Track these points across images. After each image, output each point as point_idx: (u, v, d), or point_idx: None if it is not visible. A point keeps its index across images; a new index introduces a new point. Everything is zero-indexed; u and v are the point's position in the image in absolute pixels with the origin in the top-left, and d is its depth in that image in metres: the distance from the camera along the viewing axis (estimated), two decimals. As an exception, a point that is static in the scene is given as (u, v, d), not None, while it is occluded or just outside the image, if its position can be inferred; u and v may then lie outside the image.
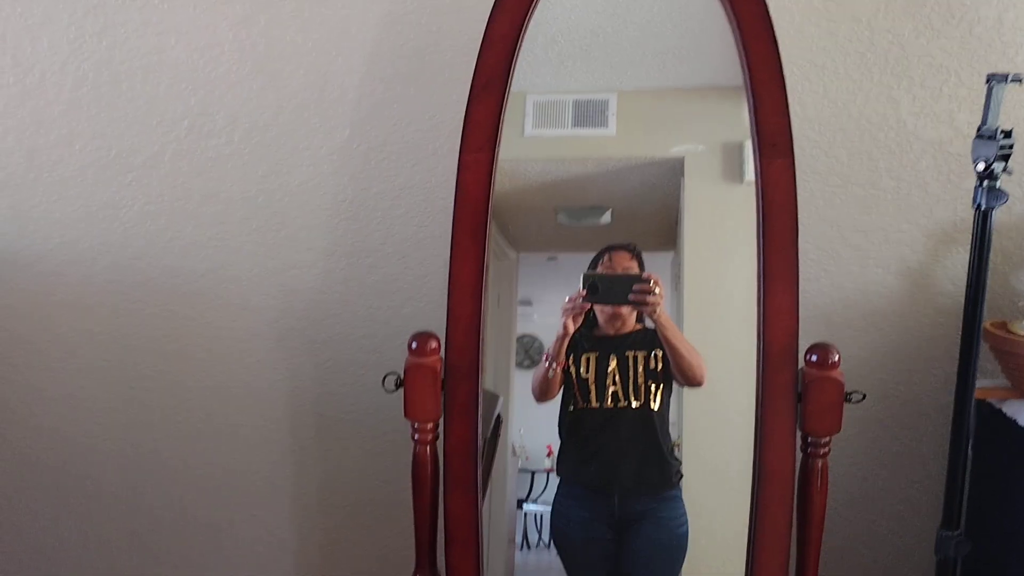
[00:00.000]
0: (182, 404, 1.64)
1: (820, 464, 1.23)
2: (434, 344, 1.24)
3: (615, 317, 1.34)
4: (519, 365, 1.40)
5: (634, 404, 1.32)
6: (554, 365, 1.31)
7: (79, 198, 1.58)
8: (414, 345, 1.24)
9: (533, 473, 1.42)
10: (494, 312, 1.37)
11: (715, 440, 1.37)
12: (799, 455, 1.24)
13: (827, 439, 1.23)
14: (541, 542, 1.43)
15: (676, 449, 1.35)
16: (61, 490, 1.70)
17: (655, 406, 1.32)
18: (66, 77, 1.53)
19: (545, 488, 1.40)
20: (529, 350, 1.40)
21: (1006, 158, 1.20)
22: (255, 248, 1.59)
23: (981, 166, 1.21)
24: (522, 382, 1.38)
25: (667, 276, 1.34)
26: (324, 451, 1.65)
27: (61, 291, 1.61)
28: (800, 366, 1.23)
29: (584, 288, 1.29)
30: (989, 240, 1.25)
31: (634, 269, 1.33)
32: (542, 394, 1.34)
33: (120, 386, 1.64)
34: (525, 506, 1.46)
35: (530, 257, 1.44)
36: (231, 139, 1.54)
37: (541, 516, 1.42)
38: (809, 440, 1.23)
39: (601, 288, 1.29)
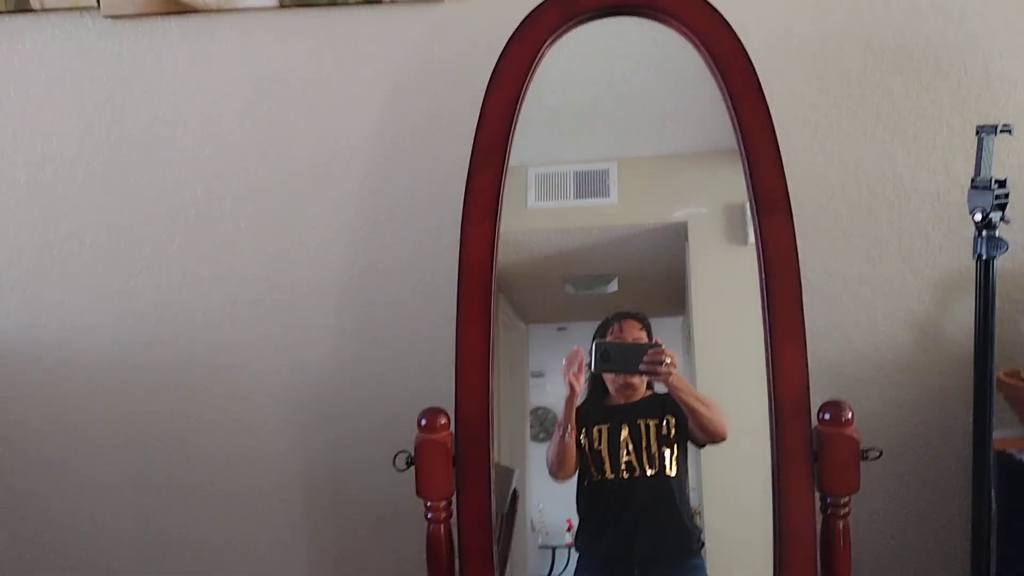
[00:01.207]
0: (196, 487, 1.63)
1: (841, 524, 1.21)
2: (443, 420, 1.24)
3: (626, 386, 1.34)
4: (534, 438, 1.40)
5: (649, 472, 1.31)
6: (568, 429, 1.30)
7: (91, 289, 1.60)
8: (423, 422, 1.24)
9: (554, 549, 1.39)
10: (507, 384, 1.37)
11: (736, 504, 1.36)
12: (819, 516, 1.22)
13: (847, 498, 1.21)
14: None
15: (697, 516, 1.33)
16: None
17: (671, 472, 1.31)
18: (76, 172, 1.57)
19: (567, 564, 1.38)
20: (544, 422, 1.39)
21: (1003, 207, 1.21)
22: (265, 328, 1.60)
23: (979, 216, 1.22)
24: (538, 455, 1.37)
25: (678, 341, 1.35)
26: (339, 529, 1.63)
27: (74, 379, 1.62)
28: (814, 424, 1.22)
29: (596, 356, 1.30)
30: (993, 289, 1.25)
31: (643, 339, 1.33)
32: (559, 466, 1.32)
33: (134, 470, 1.64)
34: None
35: (540, 328, 1.45)
36: (238, 224, 1.57)
37: None
38: (828, 500, 1.21)
39: (613, 356, 1.30)
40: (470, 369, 1.25)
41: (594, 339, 1.34)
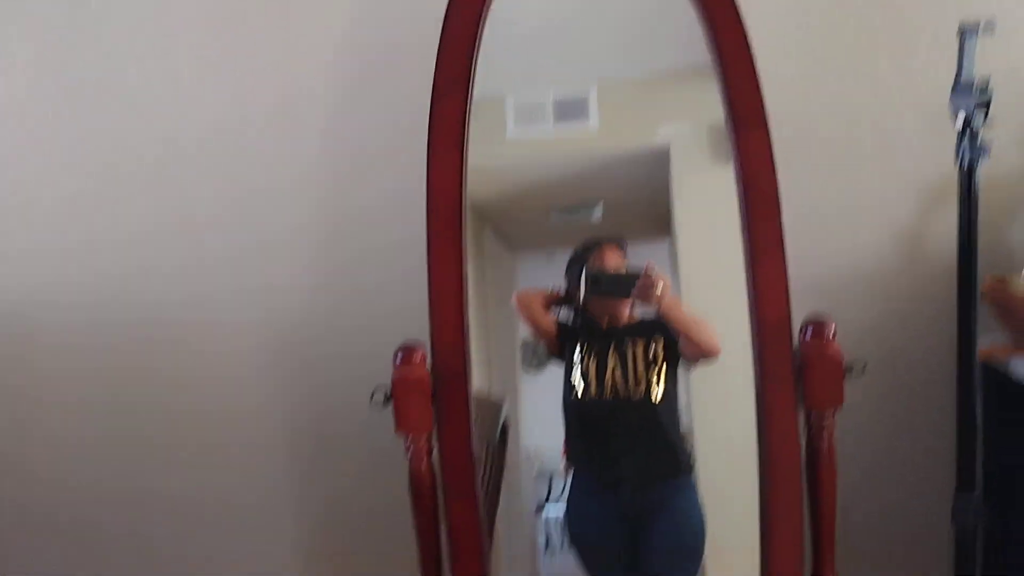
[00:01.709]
0: (174, 434, 1.62)
1: (826, 441, 1.20)
2: (419, 355, 1.22)
3: (614, 311, 1.33)
4: (525, 369, 1.39)
5: (635, 395, 1.31)
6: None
7: (52, 239, 1.55)
8: (399, 357, 1.21)
9: (551, 475, 1.41)
10: (496, 316, 1.36)
11: (725, 424, 1.36)
12: (804, 434, 1.21)
13: (831, 414, 1.19)
14: (565, 544, 1.41)
15: (687, 437, 1.33)
16: (56, 535, 1.67)
17: (657, 394, 1.31)
18: (26, 118, 1.50)
19: (564, 489, 1.39)
20: (536, 351, 1.38)
21: (986, 109, 1.17)
22: (236, 270, 1.56)
23: (961, 119, 1.18)
24: (529, 386, 1.38)
25: (665, 264, 1.34)
26: (324, 471, 1.62)
27: (42, 333, 1.59)
28: (796, 342, 1.20)
29: (587, 283, 1.29)
30: (976, 195, 1.22)
31: (622, 262, 1.32)
32: (528, 315, 1.35)
33: (110, 422, 1.62)
34: (546, 508, 1.45)
35: (528, 257, 1.44)
36: (200, 164, 1.52)
37: (562, 518, 1.40)
38: (812, 417, 1.20)
39: (604, 283, 1.29)
40: (444, 304, 1.22)
41: (569, 265, 1.34)
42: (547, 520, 1.45)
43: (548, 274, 1.38)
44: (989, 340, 1.37)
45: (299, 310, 1.57)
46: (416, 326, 1.28)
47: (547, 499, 1.44)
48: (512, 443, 1.43)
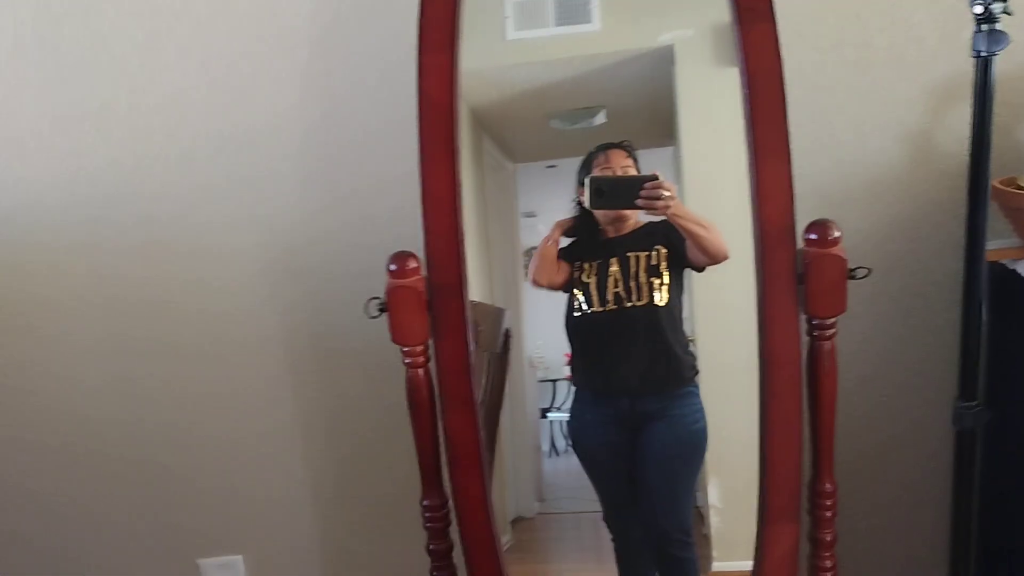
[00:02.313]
0: (173, 356, 1.61)
1: (828, 346, 1.17)
2: (413, 264, 1.19)
3: (617, 219, 1.31)
4: (527, 278, 1.37)
5: (638, 303, 1.28)
6: (551, 239, 1.31)
7: (37, 153, 1.51)
8: (393, 267, 1.19)
9: (555, 382, 1.42)
10: (497, 226, 1.34)
11: (728, 330, 1.35)
12: (806, 339, 1.19)
13: (833, 320, 1.17)
14: (569, 448, 1.43)
15: (691, 345, 1.32)
16: (58, 463, 1.68)
17: (660, 302, 1.28)
18: (19, 26, 1.44)
19: (568, 395, 1.39)
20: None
21: (1006, -4, 1.11)
22: (227, 185, 1.52)
23: (979, 7, 1.12)
24: (532, 295, 1.36)
25: (669, 170, 1.30)
26: (327, 385, 1.62)
27: (32, 254, 1.56)
28: (799, 246, 1.16)
29: (590, 192, 1.24)
30: (992, 89, 1.17)
31: (631, 168, 1.28)
32: (536, 270, 1.32)
33: (107, 345, 1.61)
34: (549, 415, 1.45)
35: (528, 167, 1.41)
36: (186, 71, 1.46)
37: (565, 423, 1.42)
38: (814, 323, 1.17)
39: (607, 191, 1.24)
40: (437, 211, 1.19)
41: (579, 173, 1.30)
42: (550, 425, 1.46)
43: (548, 185, 1.37)
44: (995, 246, 1.34)
45: (293, 224, 1.53)
46: (412, 239, 1.25)
47: (551, 406, 1.45)
48: (515, 351, 1.42)
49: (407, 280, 1.18)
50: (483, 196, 1.33)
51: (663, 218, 1.24)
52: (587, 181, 1.24)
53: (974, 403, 1.20)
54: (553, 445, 1.47)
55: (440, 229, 1.19)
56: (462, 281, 1.19)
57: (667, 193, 1.21)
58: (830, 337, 1.17)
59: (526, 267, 1.38)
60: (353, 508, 1.67)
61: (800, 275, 1.15)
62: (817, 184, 1.44)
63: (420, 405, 1.24)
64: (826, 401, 1.19)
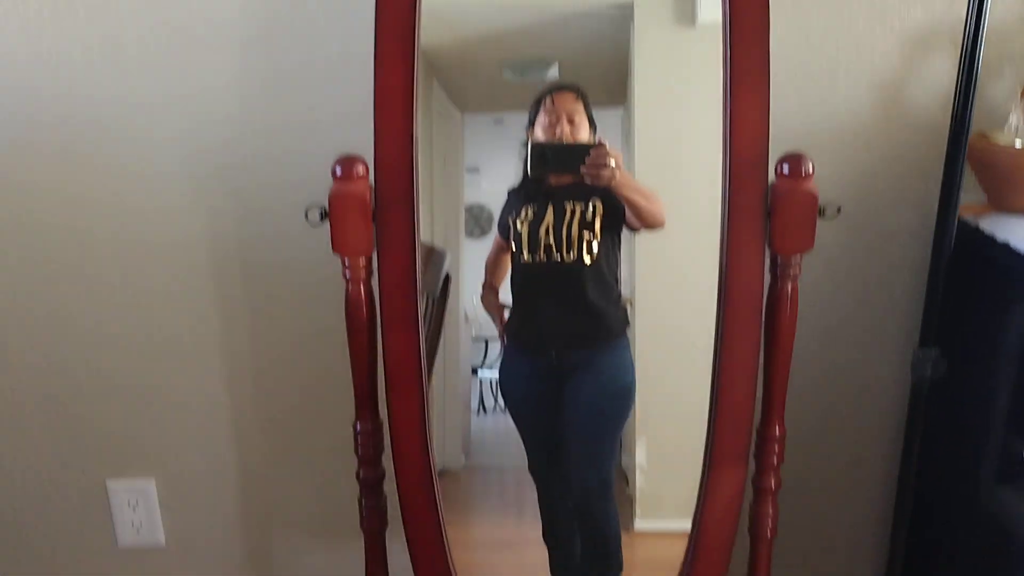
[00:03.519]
0: (91, 255, 1.48)
1: (790, 287, 1.14)
2: (361, 169, 1.10)
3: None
4: (469, 235, 1.35)
5: (567, 257, 1.26)
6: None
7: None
8: (338, 171, 1.10)
9: (487, 340, 1.39)
10: (440, 179, 1.30)
11: (668, 292, 1.34)
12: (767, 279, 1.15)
13: (798, 259, 1.13)
14: (497, 407, 1.42)
15: (621, 299, 1.30)
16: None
17: (589, 258, 1.26)
18: None
19: (500, 355, 1.37)
20: (479, 219, 1.34)
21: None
22: (157, 72, 1.39)
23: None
24: (472, 251, 1.34)
25: (618, 134, 1.28)
26: (253, 300, 1.51)
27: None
28: (770, 181, 1.12)
29: (532, 158, 1.20)
30: (982, 37, 1.13)
31: (579, 112, 1.24)
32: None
33: (18, 238, 1.47)
34: (480, 372, 1.44)
35: (476, 119, 1.37)
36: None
37: (495, 382, 1.40)
38: (779, 260, 1.13)
39: (551, 158, 1.21)
40: (389, 112, 1.10)
41: (530, 111, 1.26)
42: (481, 382, 1.45)
43: (494, 140, 1.33)
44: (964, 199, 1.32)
45: (228, 120, 1.41)
46: (358, 144, 1.16)
47: (482, 364, 1.43)
48: (451, 303, 1.39)
49: (353, 186, 1.10)
50: (430, 144, 1.29)
51: None
52: (530, 146, 1.21)
53: (933, 352, 1.18)
54: (482, 403, 1.46)
55: (392, 131, 1.10)
56: (412, 191, 1.11)
57: (612, 162, 1.19)
58: (793, 277, 1.13)
59: (467, 223, 1.36)
60: (276, 433, 1.58)
61: (767, 210, 1.11)
62: (787, 130, 1.39)
63: (358, 323, 1.16)
64: (783, 343, 1.16)
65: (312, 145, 1.41)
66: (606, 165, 1.18)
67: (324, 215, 1.11)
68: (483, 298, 1.36)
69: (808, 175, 1.09)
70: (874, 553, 1.61)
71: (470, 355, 1.43)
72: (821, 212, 1.10)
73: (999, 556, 1.27)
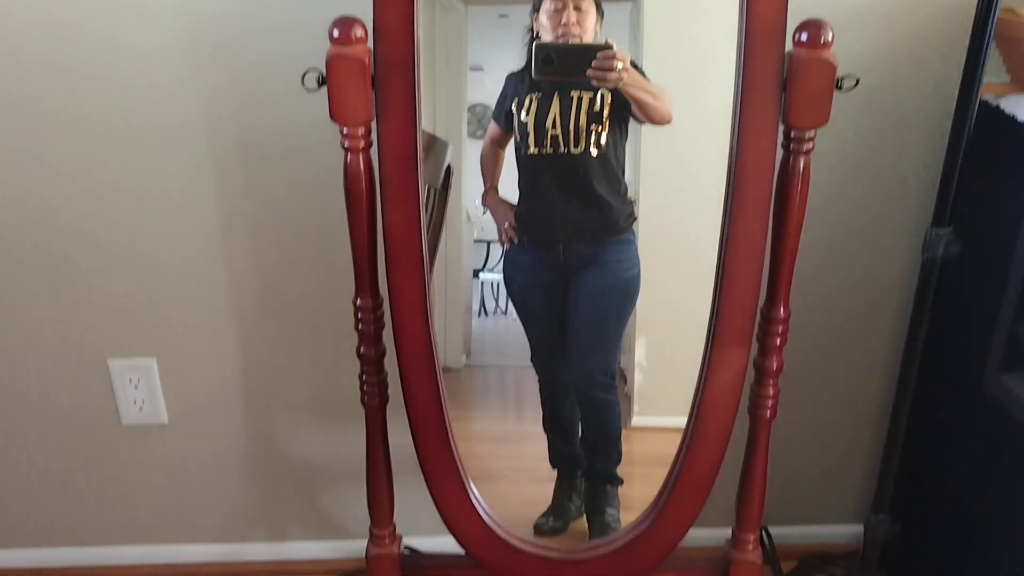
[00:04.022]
0: (80, 132, 1.43)
1: (802, 162, 1.10)
2: (359, 31, 1.05)
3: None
4: (471, 135, 1.31)
5: (574, 150, 1.23)
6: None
7: None
8: (335, 33, 1.05)
9: (489, 243, 1.37)
10: (443, 77, 1.27)
11: (673, 192, 1.32)
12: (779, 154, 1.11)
13: (812, 133, 1.09)
14: (499, 309, 1.41)
15: (628, 194, 1.28)
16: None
17: (597, 150, 1.23)
18: None
19: (501, 258, 1.36)
20: (482, 119, 1.30)
21: None
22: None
23: None
24: (475, 151, 1.31)
25: (626, 29, 1.24)
26: (254, 181, 1.47)
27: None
28: (787, 49, 1.07)
29: (537, 60, 1.15)
30: None
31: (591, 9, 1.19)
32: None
33: (3, 115, 1.42)
34: (482, 275, 1.42)
35: (480, 13, 1.31)
36: None
37: (497, 284, 1.40)
38: (792, 135, 1.09)
39: (556, 60, 1.16)
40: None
41: (532, 11, 1.21)
42: (483, 284, 1.43)
43: (498, 36, 1.28)
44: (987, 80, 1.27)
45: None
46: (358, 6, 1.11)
47: (484, 267, 1.41)
48: (454, 207, 1.36)
49: (351, 48, 1.05)
50: (432, 41, 1.24)
51: None
52: (534, 47, 1.16)
53: (946, 230, 1.15)
54: (483, 305, 1.45)
55: (392, -9, 1.04)
56: (414, 55, 1.06)
57: (620, 64, 1.15)
58: (807, 152, 1.10)
59: (470, 123, 1.32)
60: (278, 314, 1.57)
61: (783, 81, 1.06)
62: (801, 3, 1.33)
63: (357, 196, 1.13)
64: (793, 221, 1.13)
65: (312, 17, 1.34)
66: (613, 68, 1.15)
67: (322, 80, 1.07)
68: (486, 200, 1.34)
69: (827, 43, 1.04)
70: (875, 439, 1.63)
71: (472, 257, 1.42)
72: (838, 85, 1.06)
73: (998, 442, 1.28)
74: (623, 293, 1.33)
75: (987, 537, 1.31)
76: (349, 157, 1.11)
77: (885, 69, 1.39)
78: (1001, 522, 1.28)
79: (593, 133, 1.23)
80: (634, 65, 1.19)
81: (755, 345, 1.23)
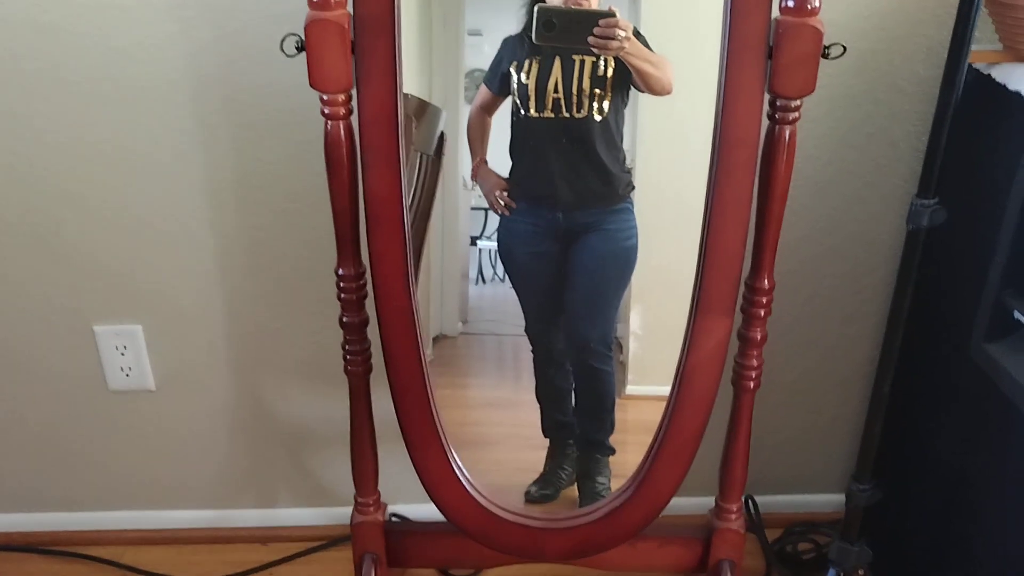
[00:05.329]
0: (65, 92, 1.41)
1: (788, 131, 1.09)
2: (339, -7, 1.04)
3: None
4: (469, 101, 1.29)
5: (576, 114, 1.22)
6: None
7: None
8: (314, -3, 1.03)
9: (486, 211, 1.36)
10: (440, 42, 1.26)
11: (670, 161, 1.31)
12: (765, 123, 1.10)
13: (798, 102, 1.08)
14: (496, 277, 1.40)
15: (626, 161, 1.27)
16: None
17: (599, 116, 1.22)
18: None
19: (498, 225, 1.35)
20: (479, 85, 1.28)
21: None
22: None
23: None
24: None
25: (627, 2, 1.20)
26: (241, 144, 1.45)
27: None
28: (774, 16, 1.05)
29: (538, 24, 1.14)
30: None
31: None
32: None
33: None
34: (479, 243, 1.42)
35: None
36: None
37: (494, 252, 1.39)
38: (778, 104, 1.08)
39: (558, 25, 1.14)
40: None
41: None
42: (479, 253, 1.43)
43: (497, 1, 1.27)
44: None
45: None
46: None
47: (481, 234, 1.40)
48: (450, 170, 1.35)
49: (330, 13, 1.03)
50: (428, 4, 1.24)
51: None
52: (536, 10, 1.14)
53: (932, 201, 1.14)
54: (480, 273, 1.44)
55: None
56: (394, 15, 1.04)
57: (623, 33, 1.14)
58: (792, 121, 1.09)
59: (468, 89, 1.30)
60: (265, 280, 1.55)
61: (769, 48, 1.05)
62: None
63: (338, 162, 1.12)
64: (778, 191, 1.12)
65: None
66: (615, 36, 1.14)
67: (300, 46, 1.05)
68: (476, 175, 1.32)
69: (814, 10, 1.03)
70: (861, 407, 1.63)
71: (468, 225, 1.41)
72: (825, 53, 1.04)
73: (982, 412, 1.28)
74: (622, 262, 1.33)
75: (970, 506, 1.31)
76: (330, 124, 1.09)
77: (878, 33, 1.37)
78: (983, 492, 1.28)
79: (596, 98, 1.22)
80: (637, 34, 1.17)
81: (739, 316, 1.23)
